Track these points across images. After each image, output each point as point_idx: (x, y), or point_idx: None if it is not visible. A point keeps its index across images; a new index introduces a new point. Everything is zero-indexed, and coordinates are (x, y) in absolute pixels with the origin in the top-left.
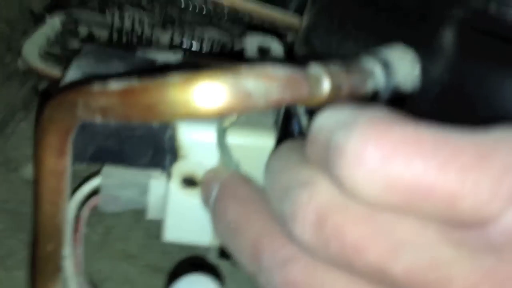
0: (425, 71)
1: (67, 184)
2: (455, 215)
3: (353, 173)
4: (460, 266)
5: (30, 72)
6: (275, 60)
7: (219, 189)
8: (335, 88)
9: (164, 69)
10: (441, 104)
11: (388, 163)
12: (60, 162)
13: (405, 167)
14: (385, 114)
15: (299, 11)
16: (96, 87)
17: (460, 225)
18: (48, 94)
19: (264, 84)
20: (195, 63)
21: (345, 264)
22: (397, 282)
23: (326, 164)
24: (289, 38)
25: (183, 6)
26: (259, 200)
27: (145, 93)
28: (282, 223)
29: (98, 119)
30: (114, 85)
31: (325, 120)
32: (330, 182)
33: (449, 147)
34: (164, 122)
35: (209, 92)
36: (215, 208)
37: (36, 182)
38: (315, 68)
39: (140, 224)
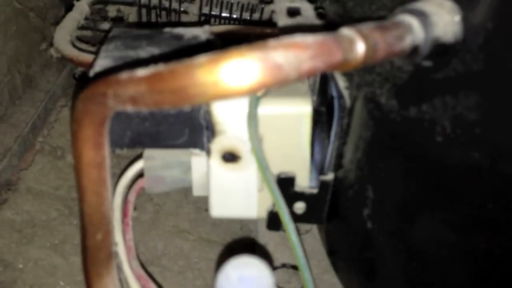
0: (466, 20)
1: (108, 174)
2: None
3: None
4: None
5: (64, 59)
6: (306, 19)
7: None
8: (371, 49)
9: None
10: (488, 52)
11: None
12: (99, 153)
13: None
14: None
15: None
16: (124, 75)
17: None
18: (84, 80)
19: (294, 54)
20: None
21: None
22: None
23: None
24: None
25: None
26: None
27: (172, 77)
28: None
29: (129, 108)
30: (141, 72)
31: None
32: None
33: None
34: (194, 105)
35: (238, 70)
36: None
37: (77, 175)
38: (346, 31)
39: (188, 199)
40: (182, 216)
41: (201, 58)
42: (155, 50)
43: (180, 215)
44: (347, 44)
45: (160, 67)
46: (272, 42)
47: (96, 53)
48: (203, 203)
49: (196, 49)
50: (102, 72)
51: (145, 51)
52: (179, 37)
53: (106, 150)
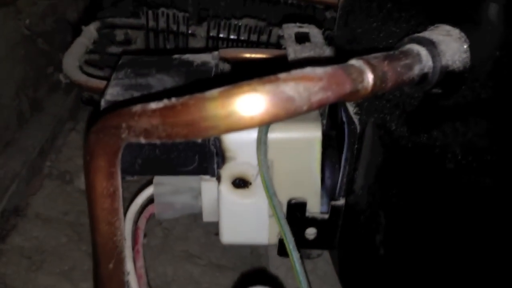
0: (474, 48)
1: (120, 203)
2: None
3: None
4: None
5: (73, 85)
6: (315, 45)
7: None
8: (379, 79)
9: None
10: (496, 79)
11: None
12: (112, 183)
13: None
14: None
15: None
16: (137, 108)
17: None
18: (91, 103)
19: (305, 86)
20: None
21: None
22: None
23: None
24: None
25: None
26: None
27: (185, 111)
28: None
29: (142, 140)
30: (154, 105)
31: None
32: None
33: None
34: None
35: (250, 103)
36: None
37: (90, 205)
38: (355, 62)
39: (198, 222)
40: (192, 240)
41: (213, 92)
42: (164, 77)
43: (189, 240)
44: (356, 75)
45: (173, 101)
46: (283, 75)
47: (107, 80)
48: (212, 227)
49: (206, 75)
50: (113, 102)
51: (154, 79)
52: (188, 64)
53: (119, 179)
